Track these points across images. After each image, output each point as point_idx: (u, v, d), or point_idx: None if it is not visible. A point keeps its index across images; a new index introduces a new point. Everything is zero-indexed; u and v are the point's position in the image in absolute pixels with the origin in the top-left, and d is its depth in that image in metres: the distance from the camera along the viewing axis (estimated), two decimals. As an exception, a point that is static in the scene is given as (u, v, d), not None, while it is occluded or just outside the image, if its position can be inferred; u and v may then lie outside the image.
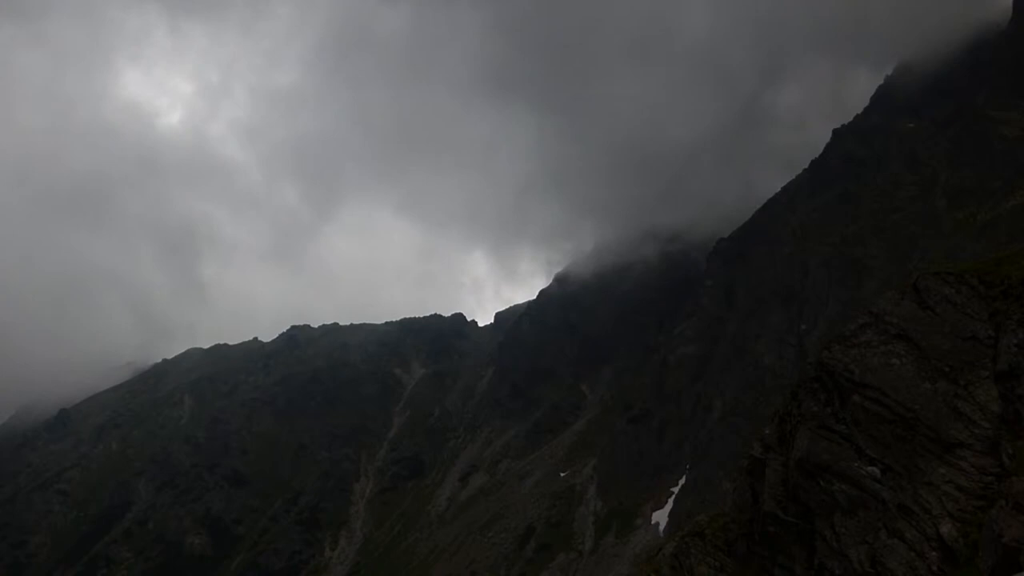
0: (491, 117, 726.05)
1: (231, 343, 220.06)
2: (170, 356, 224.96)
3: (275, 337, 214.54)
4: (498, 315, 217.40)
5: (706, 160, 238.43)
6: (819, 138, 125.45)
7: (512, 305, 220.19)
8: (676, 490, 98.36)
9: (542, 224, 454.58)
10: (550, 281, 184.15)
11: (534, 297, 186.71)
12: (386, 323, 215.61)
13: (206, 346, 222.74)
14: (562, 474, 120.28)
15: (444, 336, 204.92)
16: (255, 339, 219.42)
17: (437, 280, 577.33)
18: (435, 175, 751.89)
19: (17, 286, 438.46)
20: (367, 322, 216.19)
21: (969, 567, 17.82)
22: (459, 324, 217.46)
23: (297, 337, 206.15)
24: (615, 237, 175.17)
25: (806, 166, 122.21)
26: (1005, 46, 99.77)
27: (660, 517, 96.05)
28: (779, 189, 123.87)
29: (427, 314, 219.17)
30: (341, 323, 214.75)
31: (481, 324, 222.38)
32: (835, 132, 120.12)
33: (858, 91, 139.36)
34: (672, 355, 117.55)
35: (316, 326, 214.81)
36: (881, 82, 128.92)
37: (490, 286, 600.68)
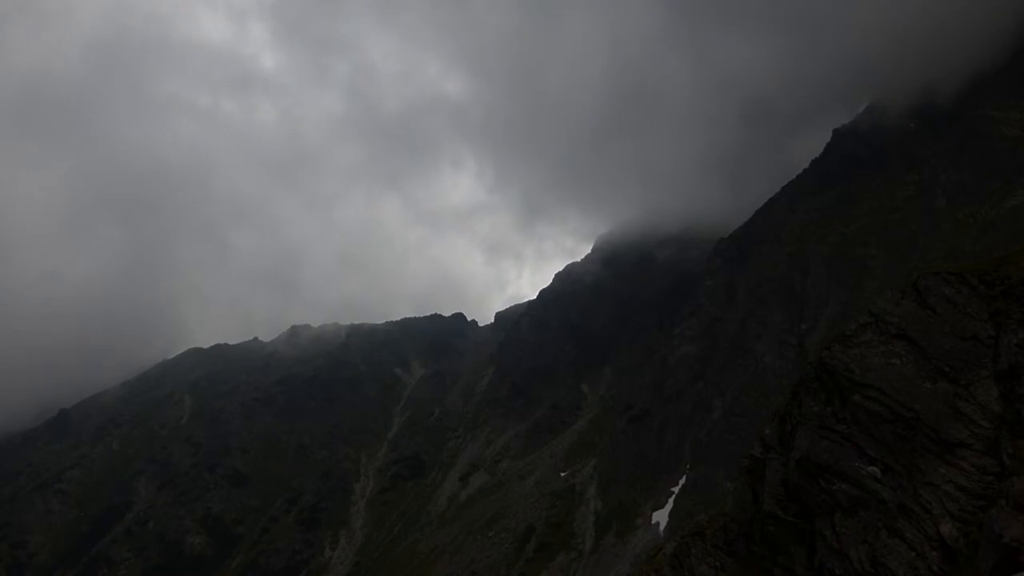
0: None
1: (231, 343, 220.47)
2: (170, 356, 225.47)
3: (275, 337, 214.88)
4: (498, 315, 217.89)
5: (706, 159, 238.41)
6: (819, 138, 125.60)
7: (512, 305, 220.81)
8: (676, 490, 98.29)
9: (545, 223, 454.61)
10: (550, 281, 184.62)
11: (534, 297, 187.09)
12: (386, 323, 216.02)
13: (206, 346, 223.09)
14: (562, 474, 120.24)
15: (444, 336, 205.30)
16: (255, 339, 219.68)
17: (440, 278, 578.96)
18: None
19: (16, 284, 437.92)
20: (367, 322, 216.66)
21: (969, 567, 17.81)
22: (459, 324, 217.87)
23: (297, 337, 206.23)
24: (615, 237, 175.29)
25: (806, 166, 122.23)
26: (1006, 46, 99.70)
27: (660, 517, 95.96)
28: (779, 189, 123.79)
29: (427, 314, 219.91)
30: (341, 323, 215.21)
31: (481, 324, 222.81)
32: (835, 132, 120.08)
33: (858, 91, 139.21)
34: (672, 355, 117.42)
35: (316, 326, 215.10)
36: (881, 82, 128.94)
37: (491, 286, 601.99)
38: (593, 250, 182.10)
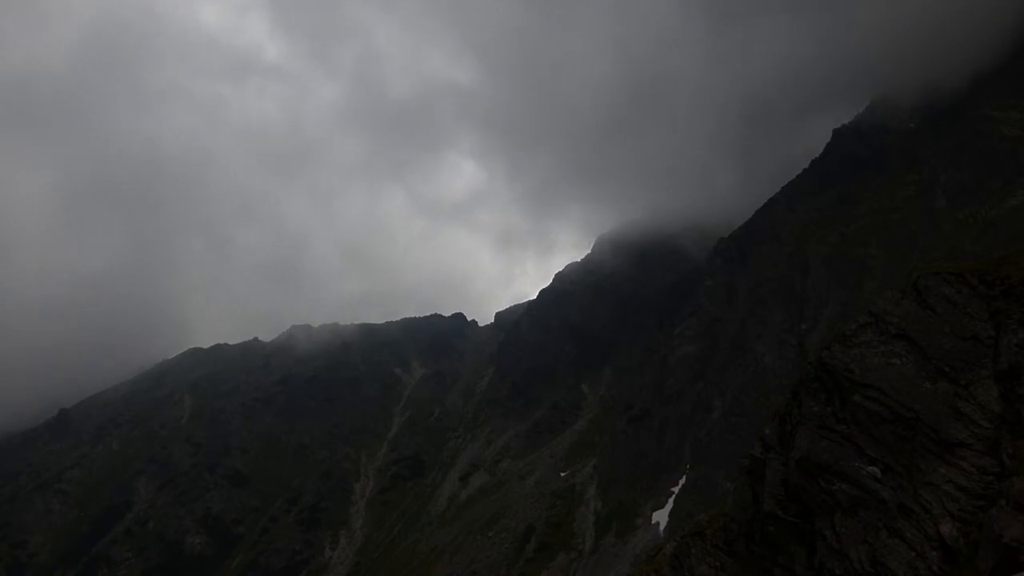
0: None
1: (231, 343, 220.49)
2: (170, 356, 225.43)
3: (275, 337, 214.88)
4: (498, 315, 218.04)
5: (706, 159, 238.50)
6: (819, 138, 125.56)
7: (512, 305, 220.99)
8: (676, 490, 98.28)
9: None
10: (550, 281, 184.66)
11: (534, 297, 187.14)
12: (386, 323, 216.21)
13: (206, 346, 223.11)
14: (562, 474, 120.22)
15: (444, 336, 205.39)
16: (255, 339, 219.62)
17: (443, 274, 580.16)
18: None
19: (17, 285, 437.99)
20: (368, 322, 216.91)
21: (969, 567, 17.81)
22: (459, 324, 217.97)
23: (297, 337, 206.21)
24: (615, 236, 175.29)
25: (806, 166, 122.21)
26: (1006, 46, 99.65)
27: (660, 517, 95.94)
28: (779, 189, 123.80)
29: (427, 314, 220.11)
30: (341, 323, 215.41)
31: (481, 324, 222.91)
32: (835, 132, 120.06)
33: (859, 90, 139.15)
34: (672, 355, 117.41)
35: (316, 326, 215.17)
36: (882, 81, 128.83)
37: (496, 281, 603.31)
38: (593, 250, 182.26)
